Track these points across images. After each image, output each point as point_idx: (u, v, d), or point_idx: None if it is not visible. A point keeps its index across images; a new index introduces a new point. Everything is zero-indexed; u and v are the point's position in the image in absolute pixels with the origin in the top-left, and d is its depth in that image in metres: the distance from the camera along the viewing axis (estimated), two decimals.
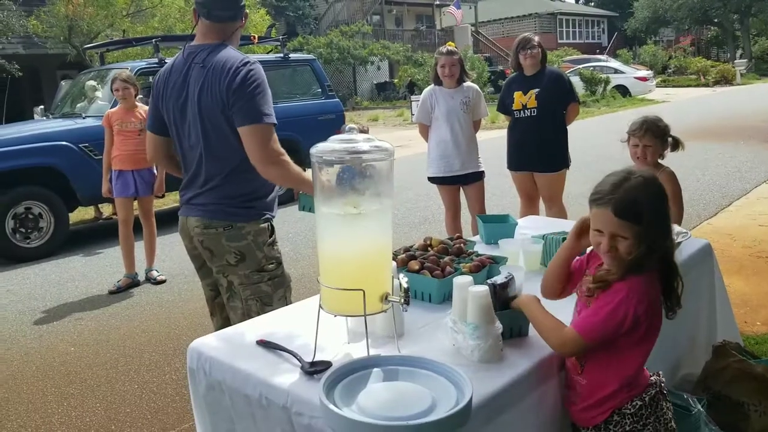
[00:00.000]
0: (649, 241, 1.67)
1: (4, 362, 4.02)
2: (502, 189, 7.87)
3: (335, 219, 1.66)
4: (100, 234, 7.42)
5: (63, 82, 10.51)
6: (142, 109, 5.34)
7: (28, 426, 3.22)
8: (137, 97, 5.66)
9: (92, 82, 7.42)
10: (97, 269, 6.03)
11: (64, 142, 6.48)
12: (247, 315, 2.40)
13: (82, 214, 8.39)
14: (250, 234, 2.41)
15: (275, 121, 2.33)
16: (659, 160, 3.18)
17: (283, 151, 2.33)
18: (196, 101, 2.35)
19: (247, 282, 2.44)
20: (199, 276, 2.71)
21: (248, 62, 2.32)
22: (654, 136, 3.10)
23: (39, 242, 6.55)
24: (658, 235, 1.71)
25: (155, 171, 5.38)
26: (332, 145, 1.63)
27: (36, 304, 5.15)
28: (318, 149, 1.63)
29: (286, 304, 2.39)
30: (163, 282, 5.41)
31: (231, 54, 2.36)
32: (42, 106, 9.22)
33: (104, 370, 3.82)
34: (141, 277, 5.50)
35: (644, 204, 1.68)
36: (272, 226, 2.51)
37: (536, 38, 4.78)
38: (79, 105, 7.55)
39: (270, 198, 2.51)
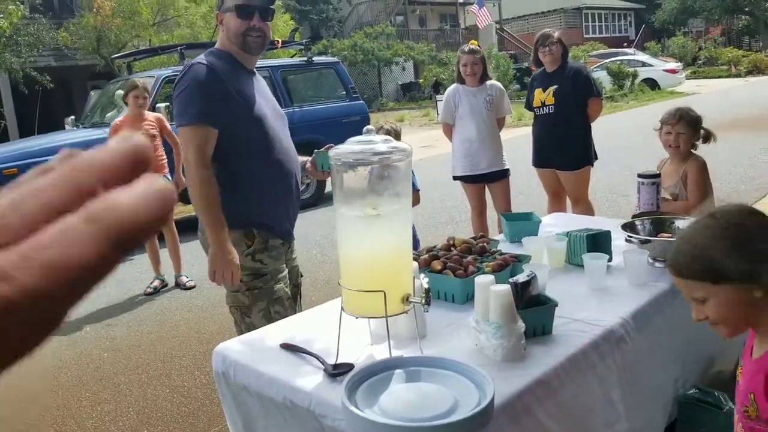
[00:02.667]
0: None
1: (40, 370, 4.11)
2: (529, 187, 7.81)
3: (355, 221, 1.66)
4: None
5: (92, 93, 10.71)
6: (151, 115, 5.42)
7: (63, 431, 3.28)
8: (163, 105, 5.75)
9: (120, 91, 7.54)
10: (128, 275, 6.12)
11: None
12: (234, 324, 2.42)
13: None
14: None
15: (193, 122, 2.24)
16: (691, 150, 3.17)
17: (196, 160, 2.22)
18: None
19: (228, 290, 2.44)
20: None
21: (187, 66, 2.33)
22: (687, 123, 3.12)
23: None
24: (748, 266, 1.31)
25: (170, 177, 5.45)
26: (350, 146, 1.63)
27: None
28: (336, 151, 1.64)
29: (269, 318, 2.34)
30: (192, 287, 5.47)
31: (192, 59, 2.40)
32: (72, 117, 9.39)
33: (136, 375, 3.88)
34: (170, 281, 5.57)
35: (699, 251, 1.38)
36: (256, 236, 2.38)
37: (556, 34, 4.73)
38: (108, 114, 7.69)
39: (258, 206, 2.38)
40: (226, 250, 2.27)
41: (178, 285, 5.54)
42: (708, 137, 3.17)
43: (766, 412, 1.33)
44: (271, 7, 2.41)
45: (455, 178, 4.92)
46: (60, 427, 3.32)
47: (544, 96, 4.69)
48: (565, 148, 4.70)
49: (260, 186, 2.37)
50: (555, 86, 4.63)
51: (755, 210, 1.40)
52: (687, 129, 3.11)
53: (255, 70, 2.50)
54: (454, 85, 4.85)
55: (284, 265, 2.51)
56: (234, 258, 2.28)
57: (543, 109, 4.72)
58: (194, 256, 6.38)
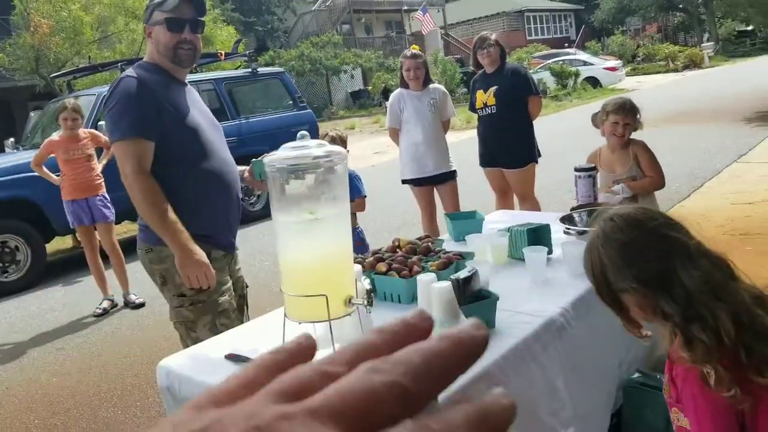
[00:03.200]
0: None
1: None
2: (478, 186, 7.92)
3: (293, 226, 1.67)
4: (79, 263, 7.32)
5: (32, 113, 10.43)
6: (86, 134, 5.32)
7: None
8: (101, 123, 5.65)
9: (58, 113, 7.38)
10: (77, 298, 5.98)
11: (35, 174, 6.43)
12: (180, 339, 2.39)
13: (59, 243, 8.31)
14: (168, 258, 2.29)
15: (127, 136, 2.21)
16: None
17: (135, 173, 2.20)
18: None
19: (171, 305, 2.41)
20: None
21: (117, 80, 2.30)
22: (633, 114, 3.29)
23: (17, 275, 6.48)
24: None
25: (107, 197, 5.35)
26: (285, 152, 1.64)
27: (17, 337, 5.10)
28: (271, 158, 1.64)
29: (215, 331, 2.30)
30: (142, 305, 5.35)
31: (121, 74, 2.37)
32: (12, 139, 9.13)
33: (87, 397, 3.78)
34: (119, 300, 5.46)
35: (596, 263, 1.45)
36: (199, 247, 2.31)
37: (493, 36, 4.82)
38: (55, 134, 7.49)
39: (198, 218, 2.34)
40: (191, 252, 2.22)
41: (127, 304, 5.42)
42: (638, 126, 3.39)
43: (675, 395, 1.42)
44: (201, 19, 2.39)
45: (404, 181, 4.96)
46: None
47: (485, 97, 4.77)
48: (509, 147, 4.79)
49: (200, 198, 2.34)
50: (495, 87, 4.72)
51: (643, 217, 1.44)
52: (632, 119, 3.29)
53: (187, 81, 2.48)
54: (398, 90, 4.90)
55: (228, 276, 2.49)
56: (202, 257, 2.24)
57: (485, 110, 4.81)
58: (144, 274, 6.27)
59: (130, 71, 2.30)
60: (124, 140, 2.21)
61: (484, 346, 0.32)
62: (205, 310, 2.36)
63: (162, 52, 2.34)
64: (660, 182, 3.33)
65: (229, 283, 2.48)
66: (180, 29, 2.32)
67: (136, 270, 6.04)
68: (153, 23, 2.34)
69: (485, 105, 4.78)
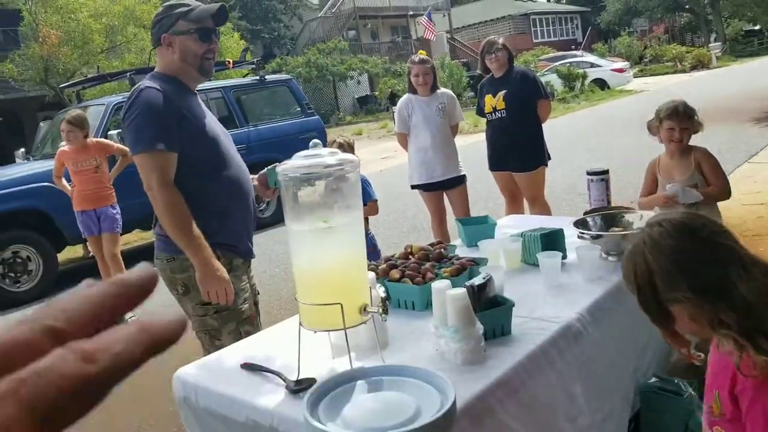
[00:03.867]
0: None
1: None
2: (488, 191, 7.90)
3: (306, 235, 1.66)
4: (90, 272, 7.38)
5: (42, 124, 10.50)
6: (93, 144, 5.33)
7: None
8: (115, 132, 5.69)
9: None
10: None
11: (46, 183, 6.45)
12: (202, 348, 2.38)
13: (71, 253, 8.35)
14: (192, 266, 2.27)
15: (150, 148, 2.19)
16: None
17: (160, 186, 2.18)
18: None
19: (194, 314, 2.36)
20: None
21: (136, 90, 2.26)
22: (689, 118, 3.12)
23: (29, 285, 6.51)
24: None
25: (117, 208, 5.37)
26: (297, 161, 1.64)
27: None
28: (283, 167, 1.64)
29: (239, 338, 2.29)
30: None
31: (138, 84, 2.33)
32: (23, 149, 9.19)
33: (98, 411, 3.67)
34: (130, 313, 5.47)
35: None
36: (221, 257, 2.32)
37: (500, 40, 4.81)
38: (62, 144, 7.53)
39: (220, 227, 2.34)
40: (213, 268, 2.22)
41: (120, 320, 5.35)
42: (698, 128, 3.20)
43: (731, 412, 1.32)
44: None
45: (413, 187, 4.96)
46: None
47: (494, 101, 4.76)
48: (518, 150, 4.78)
49: (221, 206, 2.33)
50: (504, 91, 4.71)
51: (694, 223, 1.38)
52: (688, 123, 3.13)
53: (196, 91, 2.48)
54: (406, 95, 4.89)
55: (246, 284, 2.49)
56: (223, 273, 2.24)
57: (495, 114, 4.80)
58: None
59: (148, 82, 2.28)
60: (148, 152, 2.19)
61: (150, 282, 0.35)
62: (230, 317, 2.35)
63: (190, 61, 2.33)
64: (726, 190, 3.15)
65: (249, 290, 2.49)
66: (209, 39, 2.33)
67: None
68: (177, 33, 2.30)
69: (494, 109, 4.78)
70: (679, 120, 3.11)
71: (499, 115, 4.76)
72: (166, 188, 2.19)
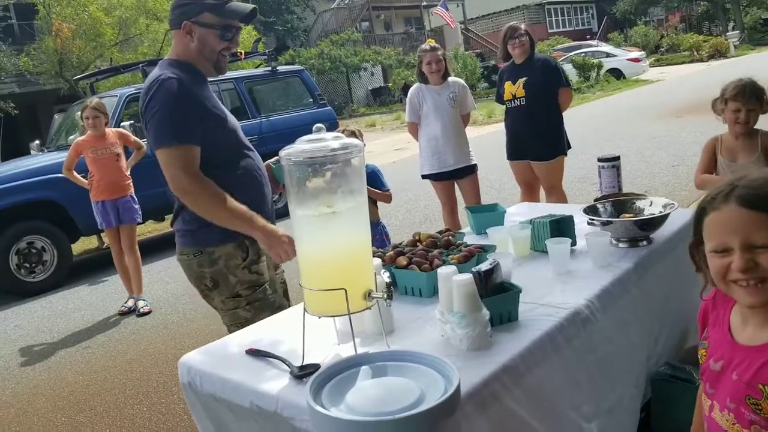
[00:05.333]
0: None
1: (15, 396, 4.03)
2: (501, 182, 7.86)
3: (310, 220, 1.65)
4: (104, 262, 7.43)
5: (57, 116, 10.57)
6: (113, 133, 5.34)
7: None
8: (127, 123, 5.71)
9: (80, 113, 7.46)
10: (102, 297, 6.04)
11: (60, 175, 6.49)
12: None
13: (85, 244, 8.42)
14: (221, 259, 2.26)
15: (176, 143, 2.10)
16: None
17: (191, 178, 2.11)
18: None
19: (225, 308, 2.33)
20: None
21: (156, 81, 2.14)
22: (757, 99, 2.96)
23: (44, 275, 6.57)
24: None
25: (135, 197, 5.38)
26: (301, 146, 1.62)
27: (44, 336, 5.16)
28: (287, 151, 1.62)
29: None
30: (148, 314, 5.26)
31: (154, 72, 2.21)
32: (38, 141, 9.27)
33: (113, 395, 3.81)
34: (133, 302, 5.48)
35: None
36: (249, 247, 2.29)
37: (523, 26, 4.72)
38: (71, 137, 7.58)
39: None
40: (272, 230, 2.19)
41: (134, 310, 5.36)
42: (767, 109, 3.03)
43: None
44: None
45: (424, 176, 4.93)
46: None
47: (514, 88, 4.69)
48: (538, 138, 4.70)
49: (242, 196, 2.24)
50: (524, 78, 4.63)
51: None
52: (756, 104, 2.97)
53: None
54: (417, 85, 4.86)
55: (275, 273, 2.49)
56: (282, 233, 2.21)
57: (514, 102, 4.72)
58: (171, 272, 6.34)
59: (166, 72, 2.17)
60: (172, 147, 2.10)
61: None
62: (263, 308, 2.31)
63: (207, 55, 2.26)
64: None
65: (278, 281, 2.50)
66: (231, 38, 2.28)
67: (152, 273, 6.10)
68: (201, 24, 2.22)
69: (514, 96, 4.70)
70: (746, 100, 2.95)
71: (519, 103, 4.69)
72: (198, 179, 2.12)
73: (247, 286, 2.30)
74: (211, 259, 2.27)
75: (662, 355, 2.28)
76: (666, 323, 2.32)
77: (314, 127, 1.70)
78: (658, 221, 2.32)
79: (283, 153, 1.63)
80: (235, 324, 2.31)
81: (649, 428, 2.22)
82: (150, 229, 8.97)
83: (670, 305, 2.34)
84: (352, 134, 3.74)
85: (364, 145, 1.76)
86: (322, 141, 1.62)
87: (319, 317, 1.68)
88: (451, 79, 4.80)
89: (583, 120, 12.98)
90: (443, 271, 1.78)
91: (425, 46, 4.82)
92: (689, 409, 2.12)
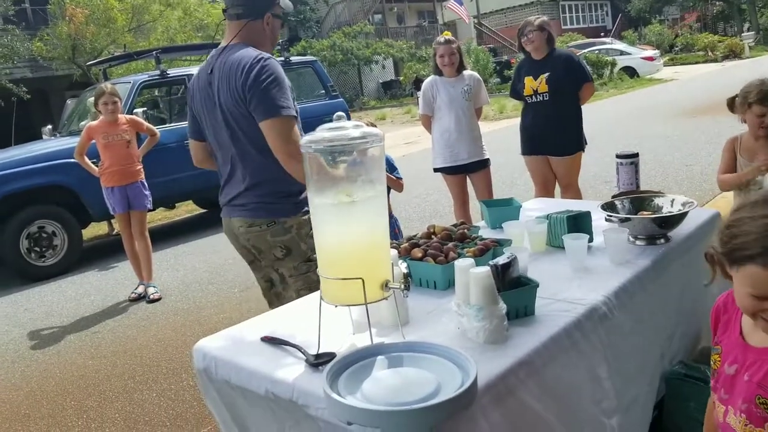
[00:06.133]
0: None
1: (24, 380, 4.05)
2: (512, 177, 7.84)
3: (329, 209, 1.64)
4: (114, 248, 7.46)
5: (69, 101, 10.59)
6: (126, 119, 5.34)
7: None
8: (136, 111, 5.72)
9: (93, 99, 7.47)
10: (112, 283, 6.07)
11: (72, 160, 6.51)
12: None
13: (96, 230, 8.45)
14: (293, 228, 2.43)
15: (294, 114, 2.31)
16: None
17: (298, 146, 2.25)
18: (219, 103, 2.39)
19: (297, 273, 2.48)
20: (252, 270, 2.74)
21: (261, 58, 2.32)
22: None
23: (54, 260, 6.60)
24: None
25: (145, 183, 5.38)
26: (321, 134, 1.61)
27: (54, 320, 5.19)
28: (307, 139, 1.61)
29: None
30: (158, 300, 5.29)
31: (245, 52, 2.35)
32: (50, 126, 9.29)
33: (122, 381, 3.83)
34: (142, 288, 5.50)
35: None
36: None
37: (537, 21, 4.63)
38: (83, 122, 7.59)
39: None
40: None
41: (144, 296, 5.39)
42: None
43: None
44: None
45: (436, 170, 4.91)
46: None
47: (536, 84, 4.62)
48: (560, 134, 4.65)
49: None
50: (547, 73, 4.57)
51: None
52: None
53: None
54: (431, 77, 4.83)
55: None
56: None
57: (536, 97, 4.65)
58: (180, 260, 6.36)
59: (264, 53, 2.36)
60: (289, 117, 2.29)
61: None
62: None
63: (274, 42, 2.50)
64: None
65: None
66: (283, 26, 2.53)
67: (162, 259, 6.11)
68: (275, 15, 2.47)
69: (535, 92, 4.63)
70: None
71: (541, 98, 4.62)
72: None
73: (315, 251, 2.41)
74: (284, 229, 2.43)
75: (677, 353, 2.27)
76: (681, 322, 2.30)
77: (335, 116, 1.69)
78: (676, 219, 2.30)
79: (302, 141, 1.62)
80: (306, 288, 2.45)
81: (662, 426, 2.21)
82: (160, 217, 8.99)
83: (685, 304, 2.32)
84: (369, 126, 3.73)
85: (383, 133, 1.75)
86: (342, 129, 1.61)
87: (336, 306, 1.68)
88: (466, 72, 4.77)
89: (596, 118, 12.91)
90: (461, 263, 1.77)
91: (440, 38, 4.80)
92: (702, 409, 2.11)
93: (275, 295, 2.68)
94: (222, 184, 2.58)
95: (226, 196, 2.55)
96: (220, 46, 2.49)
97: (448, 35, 4.81)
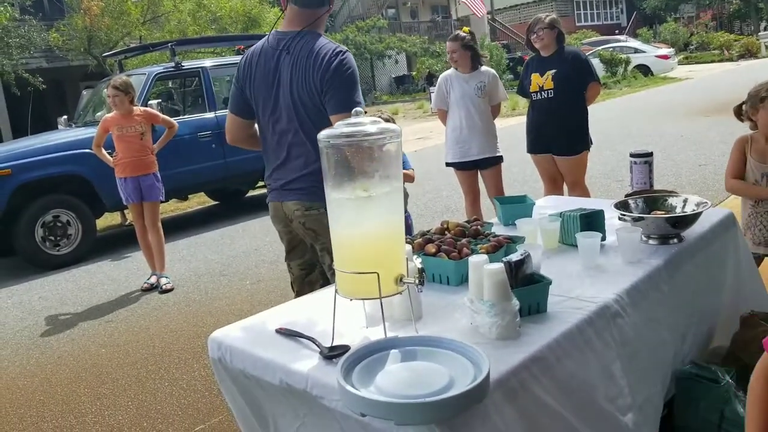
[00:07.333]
0: None
1: (38, 366, 4.11)
2: (523, 176, 7.83)
3: (346, 204, 1.66)
4: (127, 239, 7.52)
5: (84, 92, 10.66)
6: (140, 112, 5.36)
7: (63, 426, 3.28)
8: (151, 102, 5.75)
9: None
10: (125, 272, 6.12)
11: (87, 150, 6.56)
12: None
13: (109, 220, 8.52)
14: None
15: (362, 110, 2.36)
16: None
17: None
18: (288, 88, 2.42)
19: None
20: (287, 258, 2.75)
21: (341, 51, 2.38)
22: None
23: (68, 249, 6.67)
24: None
25: (159, 176, 5.42)
26: (339, 129, 1.63)
27: (67, 309, 5.25)
28: (325, 134, 1.63)
29: None
30: (170, 291, 5.33)
31: (323, 43, 2.41)
32: (65, 116, 9.36)
33: (135, 369, 3.87)
34: (154, 279, 5.55)
35: None
36: None
37: (547, 18, 4.60)
38: (99, 113, 7.65)
39: None
40: None
41: (156, 286, 5.43)
42: None
43: None
44: None
45: (447, 164, 4.92)
46: (59, 423, 3.32)
47: (542, 80, 4.60)
48: (564, 133, 4.62)
49: None
50: (554, 70, 4.54)
51: None
52: None
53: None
54: (447, 71, 4.85)
55: None
56: None
57: (541, 94, 4.62)
58: (193, 251, 6.41)
59: (341, 46, 2.43)
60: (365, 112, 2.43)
61: None
62: None
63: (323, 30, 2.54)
64: None
65: None
66: None
67: (174, 251, 6.15)
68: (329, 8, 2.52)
69: (541, 89, 4.60)
70: None
71: (546, 95, 4.59)
72: None
73: None
74: None
75: (688, 353, 2.27)
76: (693, 322, 2.31)
77: (353, 111, 1.71)
78: (690, 219, 2.31)
79: (320, 135, 1.64)
80: None
81: (672, 425, 2.22)
82: (173, 208, 9.05)
83: (697, 304, 2.33)
84: (387, 120, 3.75)
85: (401, 129, 1.77)
86: (360, 125, 1.63)
87: (351, 300, 1.70)
88: (483, 68, 4.76)
89: (609, 116, 12.86)
90: (474, 259, 1.79)
91: (452, 34, 4.83)
92: (712, 409, 2.12)
93: (308, 284, 2.69)
94: (272, 167, 2.59)
95: (278, 180, 2.56)
96: (285, 30, 2.50)
97: (466, 31, 4.80)
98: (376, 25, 27.28)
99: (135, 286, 5.59)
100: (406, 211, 3.93)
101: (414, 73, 27.20)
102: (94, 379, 3.80)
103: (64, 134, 7.34)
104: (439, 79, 4.91)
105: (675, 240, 2.30)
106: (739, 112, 3.12)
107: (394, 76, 29.33)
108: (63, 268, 6.51)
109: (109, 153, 5.52)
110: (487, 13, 31.60)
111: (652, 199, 2.48)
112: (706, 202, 2.36)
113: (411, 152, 11.31)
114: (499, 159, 4.81)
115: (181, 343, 4.21)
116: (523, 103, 16.47)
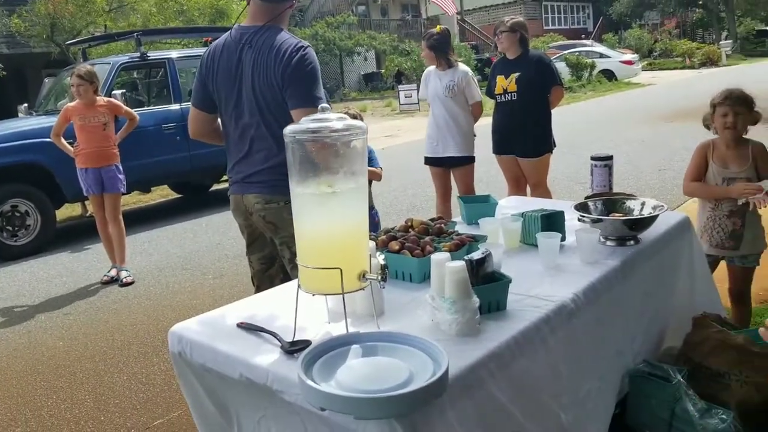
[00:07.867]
0: None
1: None
2: (490, 176, 7.90)
3: (310, 199, 1.67)
4: (87, 230, 7.38)
5: (46, 80, 10.44)
6: (104, 102, 5.28)
7: (18, 420, 3.22)
8: (115, 93, 5.65)
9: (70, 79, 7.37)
10: (84, 265, 6.02)
11: (47, 139, 6.41)
12: None
13: (69, 211, 8.36)
14: None
15: (328, 105, 2.37)
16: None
17: None
18: (250, 82, 2.43)
19: None
20: (248, 252, 2.76)
21: (302, 47, 2.40)
22: (743, 102, 2.99)
23: (26, 240, 6.53)
24: None
25: (120, 167, 5.34)
26: (305, 124, 1.64)
27: (24, 301, 5.14)
28: (291, 129, 1.64)
29: None
30: (130, 284, 5.26)
31: (285, 38, 2.42)
32: (26, 104, 9.15)
33: (93, 363, 3.82)
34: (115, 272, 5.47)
35: None
36: None
37: (509, 21, 4.67)
38: (61, 102, 7.50)
39: None
40: None
41: (116, 280, 5.35)
42: (757, 117, 3.06)
43: None
44: None
45: (425, 159, 5.02)
46: (14, 416, 3.26)
47: (506, 83, 4.67)
48: (526, 135, 4.70)
49: None
50: (517, 73, 4.61)
51: None
52: (744, 109, 2.99)
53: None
54: (430, 66, 4.94)
55: None
56: None
57: (505, 96, 4.69)
58: (154, 245, 6.33)
59: (303, 41, 2.43)
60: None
61: None
62: None
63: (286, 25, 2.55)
64: None
65: None
66: None
67: (136, 244, 6.07)
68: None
69: (505, 91, 4.67)
70: (732, 103, 2.98)
71: (509, 98, 4.66)
72: None
73: None
74: None
75: (639, 353, 2.33)
76: (643, 322, 2.37)
77: (319, 107, 1.71)
78: (646, 222, 2.37)
79: (286, 130, 1.64)
80: None
81: (624, 423, 2.28)
82: (135, 200, 8.92)
83: (650, 305, 2.39)
84: (354, 117, 3.75)
85: (367, 126, 1.78)
86: (325, 121, 1.64)
87: (313, 295, 1.71)
88: (459, 67, 4.81)
89: (573, 120, 13.05)
90: (437, 257, 1.81)
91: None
92: (663, 406, 2.19)
93: (268, 278, 2.70)
94: (234, 161, 2.60)
95: (240, 173, 2.57)
96: (248, 24, 2.51)
97: (438, 30, 4.85)
98: (346, 21, 27.19)
99: (94, 278, 5.50)
100: (373, 208, 3.96)
101: (383, 70, 27.19)
102: (50, 373, 3.74)
103: (25, 122, 7.19)
104: (424, 73, 5.05)
105: (632, 242, 2.36)
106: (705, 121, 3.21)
107: (363, 73, 29.28)
108: (20, 259, 6.37)
109: (69, 143, 5.41)
110: (457, 14, 31.77)
111: (611, 202, 2.54)
112: (662, 206, 2.43)
113: (379, 149, 11.33)
114: (470, 159, 4.86)
115: (140, 337, 4.16)
116: (491, 104, 16.59)
